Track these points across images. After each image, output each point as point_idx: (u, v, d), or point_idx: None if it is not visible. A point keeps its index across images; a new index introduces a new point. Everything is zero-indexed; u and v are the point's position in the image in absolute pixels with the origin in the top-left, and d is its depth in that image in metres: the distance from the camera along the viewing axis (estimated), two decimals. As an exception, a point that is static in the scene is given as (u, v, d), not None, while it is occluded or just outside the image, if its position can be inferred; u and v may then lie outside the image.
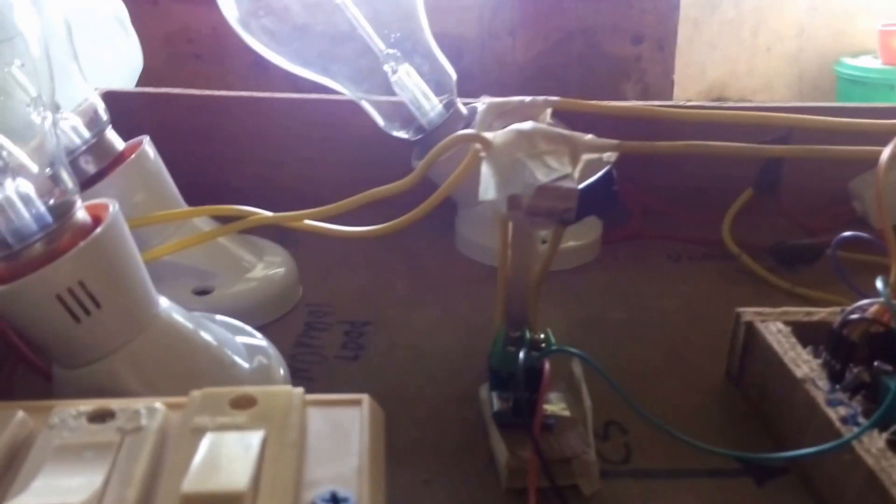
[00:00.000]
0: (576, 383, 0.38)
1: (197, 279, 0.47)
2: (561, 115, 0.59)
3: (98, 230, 0.32)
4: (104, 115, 0.46)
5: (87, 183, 0.45)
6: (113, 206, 0.34)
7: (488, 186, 0.35)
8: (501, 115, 0.42)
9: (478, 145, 0.37)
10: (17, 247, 0.32)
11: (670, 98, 1.72)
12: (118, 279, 0.33)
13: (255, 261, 0.50)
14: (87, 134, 0.45)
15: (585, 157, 0.36)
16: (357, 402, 0.26)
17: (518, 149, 0.35)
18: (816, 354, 0.37)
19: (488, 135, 0.36)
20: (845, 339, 0.36)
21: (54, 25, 0.45)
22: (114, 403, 0.24)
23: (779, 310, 0.41)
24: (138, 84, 0.82)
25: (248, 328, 0.41)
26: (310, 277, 0.52)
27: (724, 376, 0.43)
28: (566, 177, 0.34)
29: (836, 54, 2.39)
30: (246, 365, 0.37)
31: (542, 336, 0.37)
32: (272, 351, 0.40)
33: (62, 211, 0.33)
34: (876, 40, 2.16)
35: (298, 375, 0.42)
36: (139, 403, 0.24)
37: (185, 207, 0.48)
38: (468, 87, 1.37)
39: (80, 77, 0.46)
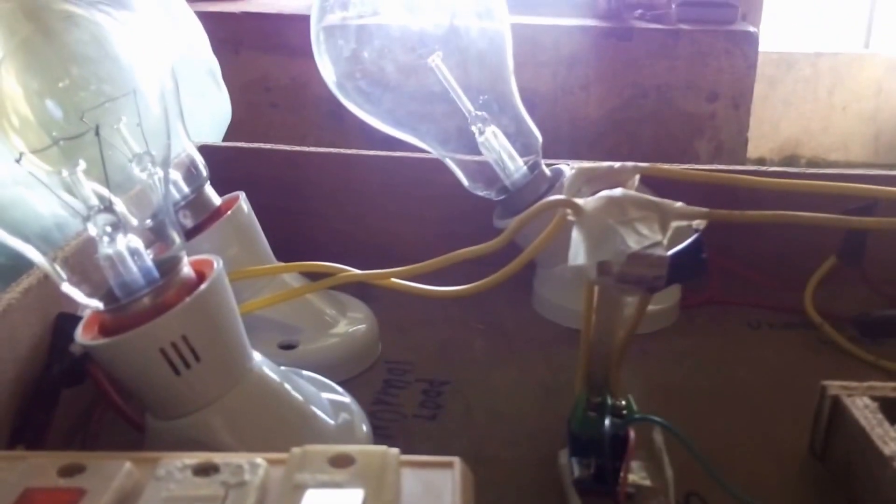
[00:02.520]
0: (656, 452, 0.37)
1: (282, 333, 0.48)
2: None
3: (203, 286, 0.33)
4: (203, 171, 0.48)
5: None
6: (217, 263, 0.35)
7: (578, 252, 0.36)
8: (590, 181, 0.42)
9: (568, 211, 0.37)
10: (125, 300, 0.33)
11: (744, 155, 1.70)
12: (219, 334, 0.34)
13: (338, 316, 0.51)
14: (186, 189, 0.47)
15: (674, 224, 0.37)
16: (449, 465, 0.27)
17: (609, 215, 0.36)
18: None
19: (579, 201, 0.37)
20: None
21: (165, 83, 0.47)
22: (217, 458, 0.26)
23: (865, 384, 0.40)
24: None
25: (333, 384, 0.42)
26: (389, 333, 0.53)
27: (807, 451, 0.42)
28: (657, 244, 0.34)
29: (914, 115, 2.35)
30: (331, 421, 0.38)
31: (624, 402, 0.38)
32: (355, 407, 0.40)
33: (169, 266, 0.35)
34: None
35: (378, 433, 0.43)
36: (242, 459, 0.25)
37: (274, 261, 0.50)
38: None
39: (185, 133, 0.48)
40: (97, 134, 0.33)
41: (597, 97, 1.55)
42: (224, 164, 0.61)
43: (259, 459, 0.26)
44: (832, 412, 0.40)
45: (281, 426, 0.37)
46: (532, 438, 0.43)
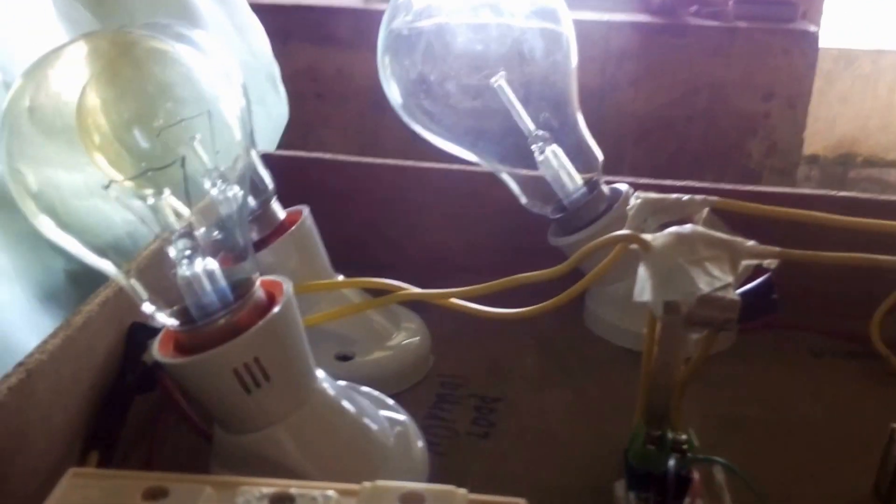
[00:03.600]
0: (717, 489, 0.38)
1: (339, 344, 0.50)
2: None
3: (276, 309, 0.35)
4: (270, 185, 0.49)
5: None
6: (286, 285, 0.36)
7: (644, 288, 0.36)
8: (656, 212, 0.42)
9: (635, 246, 0.37)
10: (201, 322, 0.35)
11: (799, 155, 1.67)
12: (288, 354, 0.36)
13: (392, 329, 0.52)
14: (253, 204, 0.48)
15: (745, 262, 0.37)
16: (516, 506, 0.27)
17: (678, 254, 0.36)
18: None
19: (647, 236, 0.37)
20: None
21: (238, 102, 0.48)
22: (294, 488, 0.27)
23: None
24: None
25: (387, 399, 0.43)
26: (440, 345, 0.53)
27: (871, 492, 0.42)
28: (727, 286, 0.34)
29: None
30: (391, 438, 0.39)
31: (685, 437, 0.38)
32: (410, 423, 0.41)
33: (244, 289, 0.36)
34: None
35: (430, 450, 0.43)
36: (316, 490, 0.26)
37: (333, 274, 0.51)
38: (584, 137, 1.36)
39: (253, 150, 0.49)
40: (182, 166, 0.35)
41: (645, 93, 1.54)
42: (283, 174, 0.62)
43: (331, 492, 0.27)
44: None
45: (344, 443, 0.38)
46: (587, 466, 0.43)
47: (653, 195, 0.43)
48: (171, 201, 0.36)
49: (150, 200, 0.35)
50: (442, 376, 0.51)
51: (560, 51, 0.54)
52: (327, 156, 0.63)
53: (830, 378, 0.52)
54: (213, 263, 0.35)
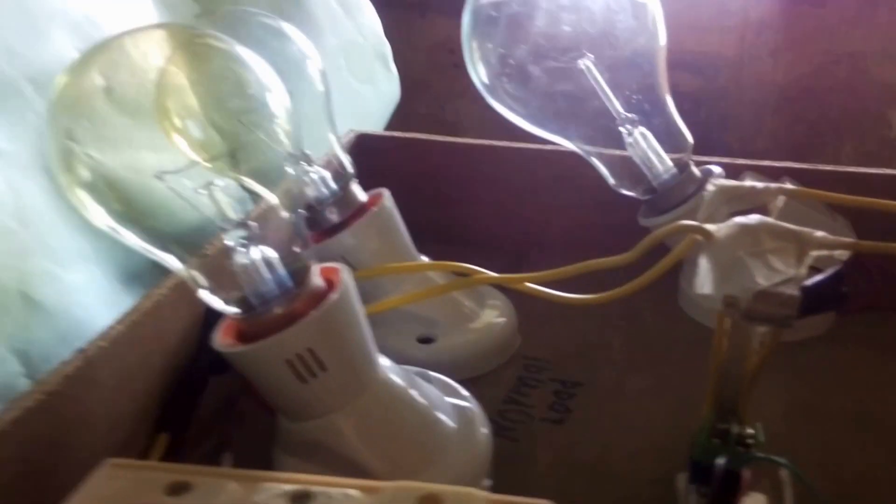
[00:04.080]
0: (780, 485, 0.36)
1: (421, 326, 0.50)
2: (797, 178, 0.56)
3: (329, 301, 0.35)
4: (350, 168, 0.50)
5: (329, 231, 0.49)
6: (344, 273, 0.37)
7: (705, 281, 0.35)
8: (730, 200, 0.40)
9: (699, 237, 0.36)
10: (260, 309, 0.36)
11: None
12: (345, 344, 0.36)
13: (477, 309, 0.52)
14: (334, 186, 0.49)
15: (814, 253, 0.35)
16: (538, 507, 0.27)
17: (740, 245, 0.34)
18: None
19: (711, 227, 0.36)
20: None
21: (318, 89, 0.50)
22: (314, 486, 0.27)
23: None
24: (402, 97, 0.88)
25: (457, 386, 0.43)
26: (528, 326, 0.53)
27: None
28: (789, 281, 0.33)
29: None
30: (453, 425, 0.40)
31: (752, 431, 0.36)
32: (476, 411, 0.41)
33: (301, 276, 0.36)
34: None
35: (503, 434, 0.44)
36: (336, 489, 0.27)
37: (416, 255, 0.52)
38: (722, 107, 1.31)
39: (335, 140, 0.50)
40: (234, 156, 0.36)
41: (785, 63, 1.46)
42: (382, 153, 0.63)
43: (352, 491, 0.27)
44: None
45: (404, 431, 0.38)
46: (658, 454, 0.42)
47: (728, 182, 0.41)
48: (248, 184, 0.37)
49: (221, 183, 0.36)
50: (527, 358, 0.51)
51: (647, 31, 0.52)
52: (423, 136, 0.64)
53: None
54: (270, 251, 0.36)
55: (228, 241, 0.36)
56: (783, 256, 0.34)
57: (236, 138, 0.38)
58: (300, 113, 0.49)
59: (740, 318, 0.33)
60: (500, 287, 0.54)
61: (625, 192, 0.53)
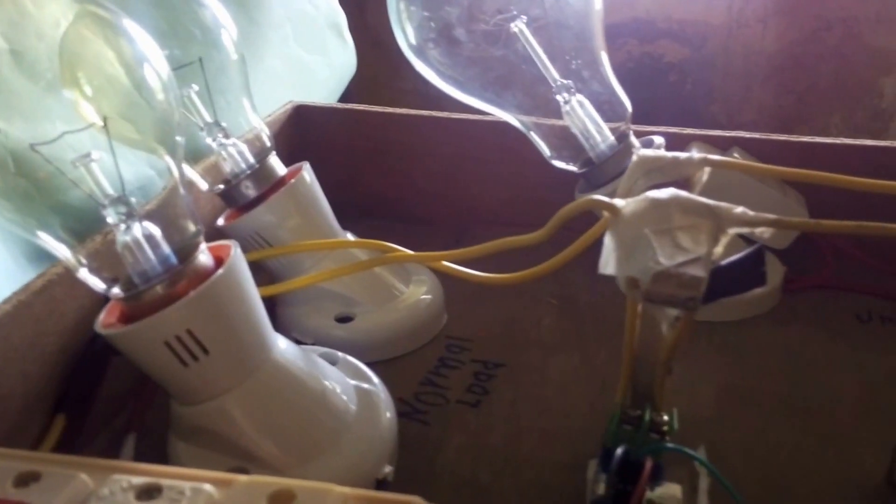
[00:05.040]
0: (695, 477, 0.34)
1: (342, 305, 0.48)
2: (748, 149, 0.54)
3: (209, 281, 0.33)
4: (268, 142, 0.48)
5: (245, 207, 0.47)
6: (234, 250, 0.35)
7: (608, 260, 0.33)
8: (649, 172, 0.38)
9: (606, 213, 0.34)
10: (142, 287, 0.34)
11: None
12: (228, 327, 0.34)
13: (402, 288, 0.50)
14: (251, 159, 0.47)
15: (733, 230, 0.33)
16: (407, 504, 0.25)
17: (647, 221, 0.32)
18: None
19: (619, 202, 0.34)
20: None
21: (231, 58, 0.47)
22: (165, 479, 0.25)
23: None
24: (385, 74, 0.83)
25: (364, 368, 0.41)
26: (456, 305, 0.51)
27: (884, 479, 0.37)
28: (695, 260, 0.31)
29: None
30: (353, 408, 0.38)
31: (666, 418, 0.34)
32: (383, 394, 0.40)
33: (186, 253, 0.35)
34: None
35: (415, 417, 0.42)
36: (186, 483, 0.25)
37: (338, 231, 0.50)
38: (709, 76, 1.28)
39: (251, 108, 0.48)
40: (105, 125, 0.34)
41: (775, 30, 1.43)
42: (323, 126, 0.62)
43: (207, 486, 0.25)
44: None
45: (297, 416, 0.36)
46: (574, 439, 0.41)
47: (649, 152, 0.38)
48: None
49: (96, 155, 0.34)
50: (450, 338, 0.50)
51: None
52: (361, 107, 0.62)
53: (873, 347, 0.47)
54: (153, 227, 0.34)
55: (109, 217, 0.34)
56: (694, 234, 0.31)
57: (120, 109, 0.36)
58: (216, 84, 0.47)
59: (643, 301, 0.31)
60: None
61: (561, 164, 0.51)
